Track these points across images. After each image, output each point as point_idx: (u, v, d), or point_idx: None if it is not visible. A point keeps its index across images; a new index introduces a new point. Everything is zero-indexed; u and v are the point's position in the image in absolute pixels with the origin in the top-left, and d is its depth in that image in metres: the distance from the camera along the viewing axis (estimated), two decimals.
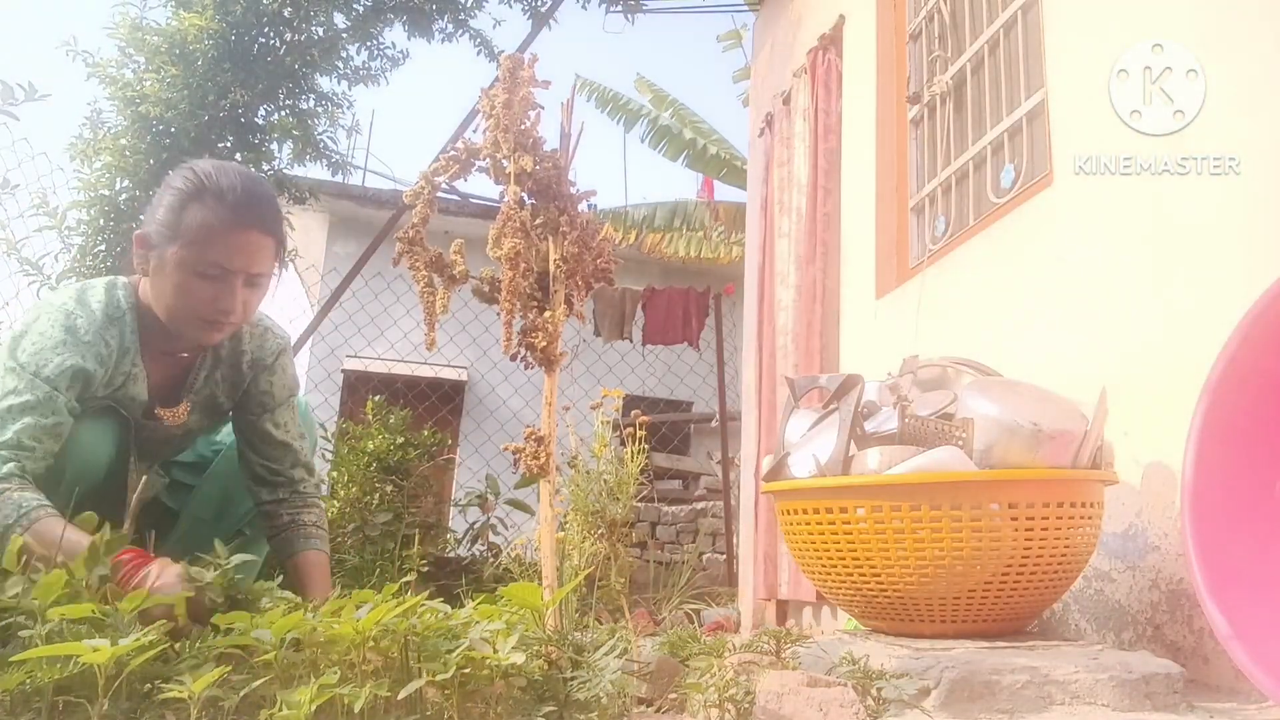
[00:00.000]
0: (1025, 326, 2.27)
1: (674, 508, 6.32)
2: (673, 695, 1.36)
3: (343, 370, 8.34)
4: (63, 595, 1.03)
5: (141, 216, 1.69)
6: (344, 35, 4.49)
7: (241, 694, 0.96)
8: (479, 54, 4.87)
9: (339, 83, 4.60)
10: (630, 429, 1.66)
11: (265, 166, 4.37)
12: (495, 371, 7.87)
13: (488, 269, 1.48)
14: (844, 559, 1.66)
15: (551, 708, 1.03)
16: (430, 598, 1.15)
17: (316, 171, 4.79)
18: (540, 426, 1.42)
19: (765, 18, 4.77)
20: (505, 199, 1.45)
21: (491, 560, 3.52)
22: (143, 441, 1.80)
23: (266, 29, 4.14)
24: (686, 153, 8.70)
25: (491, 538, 3.86)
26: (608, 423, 1.68)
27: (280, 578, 1.61)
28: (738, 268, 7.06)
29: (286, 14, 4.14)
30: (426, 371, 7.80)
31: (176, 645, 1.04)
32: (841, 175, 3.47)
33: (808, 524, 1.72)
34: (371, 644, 1.04)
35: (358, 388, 7.70)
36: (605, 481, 1.59)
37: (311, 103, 4.52)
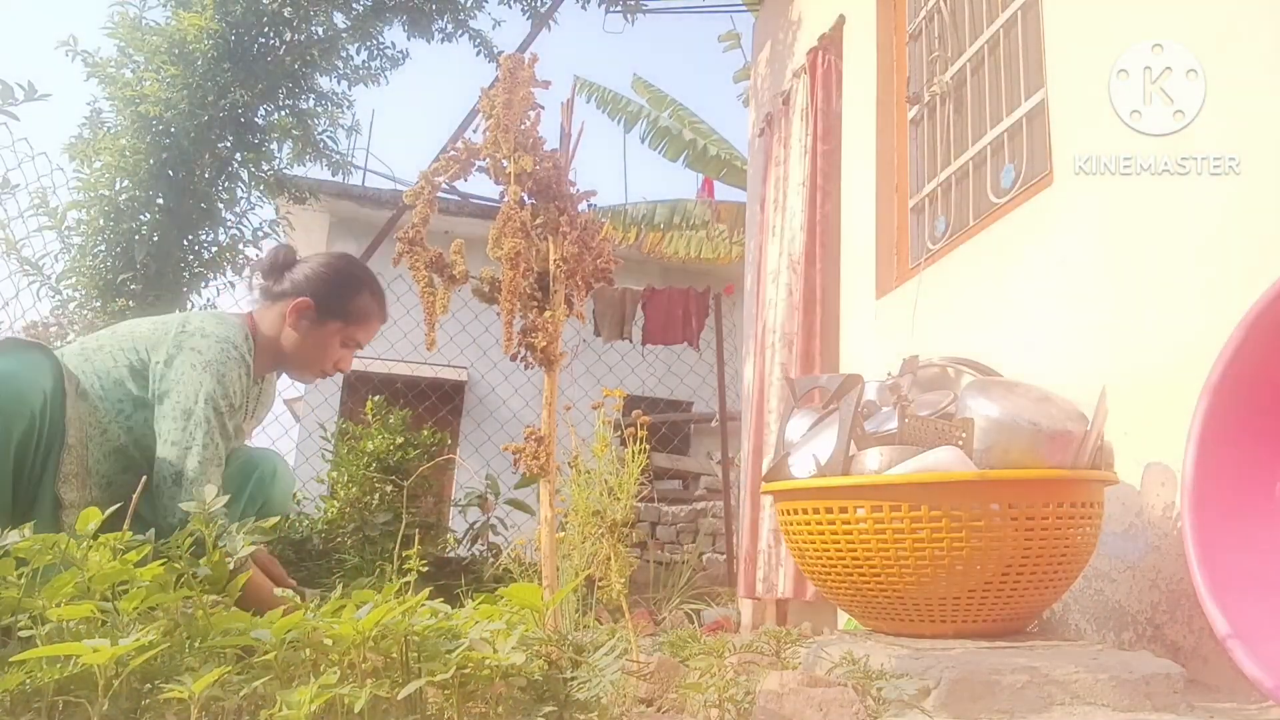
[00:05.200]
0: (1025, 326, 2.27)
1: (674, 508, 6.32)
2: (673, 695, 1.36)
3: None
4: (67, 595, 1.03)
5: (285, 280, 2.11)
6: (344, 35, 4.49)
7: (241, 694, 0.96)
8: (479, 54, 4.87)
9: (339, 83, 4.60)
10: (630, 429, 1.66)
11: (265, 166, 4.38)
12: (495, 371, 7.87)
13: (488, 269, 1.48)
14: (844, 559, 1.66)
15: (551, 708, 1.03)
16: (430, 598, 1.15)
17: (316, 171, 4.80)
18: (540, 426, 1.42)
19: (765, 18, 4.78)
20: (505, 199, 1.45)
21: (491, 560, 3.53)
22: None
23: (266, 29, 4.15)
24: (686, 153, 8.70)
25: (491, 538, 3.86)
26: (608, 423, 1.68)
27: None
28: (738, 268, 7.07)
29: (286, 14, 4.14)
30: (426, 371, 7.80)
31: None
32: (841, 175, 3.47)
33: (808, 524, 1.72)
34: (371, 644, 1.04)
35: (358, 388, 7.69)
36: (605, 482, 1.58)
37: (311, 103, 4.52)
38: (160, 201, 3.82)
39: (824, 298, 3.38)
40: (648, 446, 1.65)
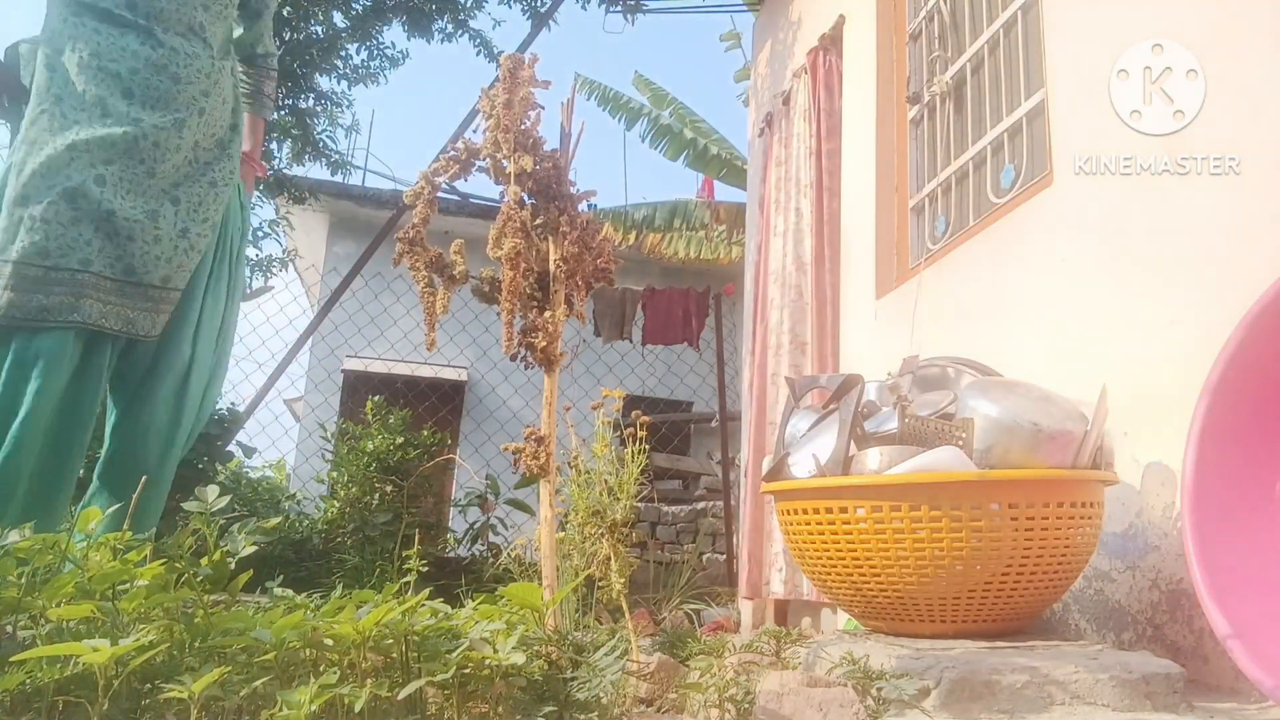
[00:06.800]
0: (1025, 326, 2.27)
1: (674, 508, 6.32)
2: (673, 695, 1.37)
3: (343, 370, 8.34)
4: (67, 595, 1.03)
5: None
6: (343, 35, 4.50)
7: (241, 694, 0.96)
8: (479, 54, 4.88)
9: (338, 82, 4.62)
10: (630, 429, 1.66)
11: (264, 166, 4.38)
12: (495, 371, 7.88)
13: (488, 269, 1.48)
14: (844, 559, 1.66)
15: (551, 708, 1.03)
16: (430, 598, 1.15)
17: (316, 171, 4.81)
18: (540, 426, 1.42)
19: (765, 18, 4.78)
20: (505, 199, 1.45)
21: (491, 560, 3.53)
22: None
23: None
24: (687, 152, 8.69)
25: (491, 538, 3.86)
26: (608, 423, 1.68)
27: (280, 578, 1.61)
28: (738, 268, 7.07)
29: (286, 14, 4.14)
30: (426, 371, 7.80)
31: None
32: (842, 175, 3.47)
33: (808, 524, 1.72)
34: (371, 644, 1.04)
35: (358, 388, 7.70)
36: (605, 482, 1.59)
37: (311, 102, 4.52)
38: None
39: (831, 297, 3.38)
40: (647, 446, 1.66)
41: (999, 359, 2.12)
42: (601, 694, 1.05)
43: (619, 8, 5.23)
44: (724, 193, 9.32)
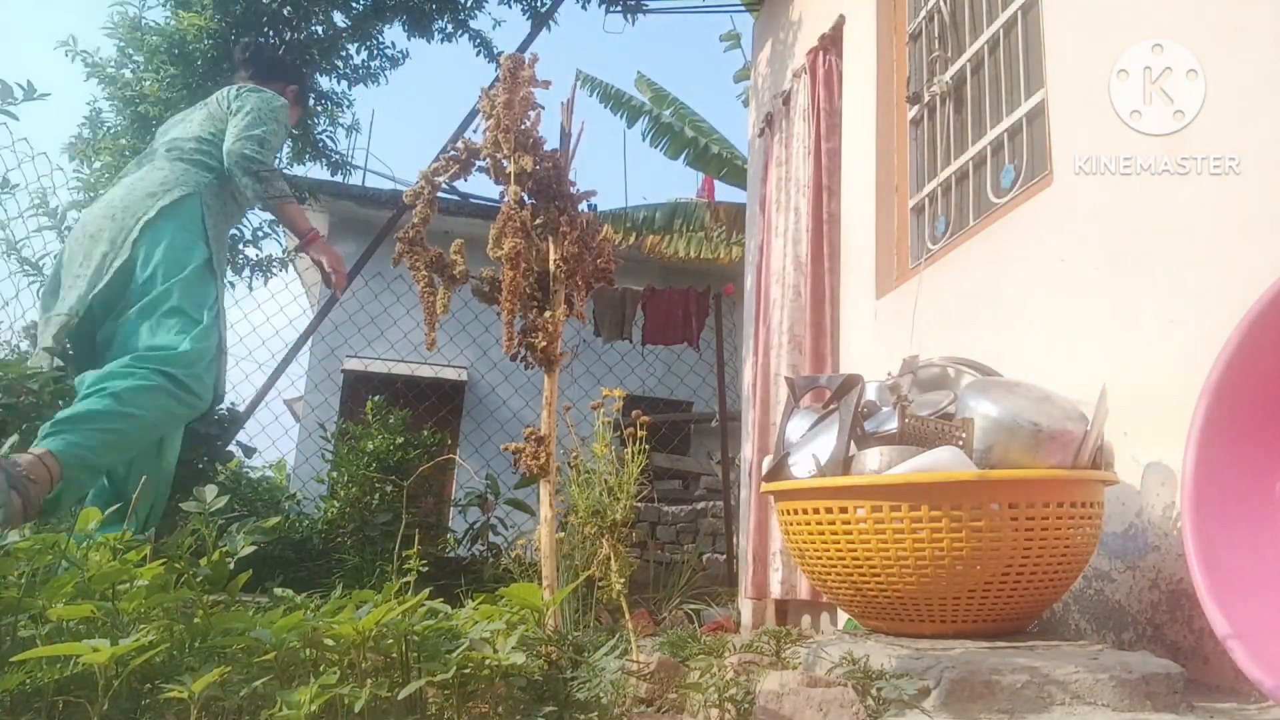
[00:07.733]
0: (1025, 326, 2.27)
1: (674, 508, 6.31)
2: (673, 695, 1.37)
3: (343, 370, 8.34)
4: (67, 595, 1.03)
5: None
6: (343, 34, 4.49)
7: (241, 694, 0.96)
8: (479, 54, 4.87)
9: (338, 82, 4.61)
10: (630, 429, 1.66)
11: None
12: (495, 371, 7.88)
13: (488, 269, 1.48)
14: (844, 559, 1.66)
15: (551, 708, 1.03)
16: (430, 598, 1.15)
17: (316, 171, 4.80)
18: (540, 426, 1.42)
19: (765, 18, 4.77)
20: (505, 199, 1.45)
21: (491, 560, 3.52)
22: None
23: (266, 28, 4.14)
24: (687, 151, 8.68)
25: (491, 538, 3.86)
26: (608, 423, 1.68)
27: (280, 578, 1.61)
28: (738, 268, 7.07)
29: (286, 13, 4.14)
30: (426, 371, 7.80)
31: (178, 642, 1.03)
32: (841, 175, 3.47)
33: (808, 524, 1.72)
34: (371, 644, 1.04)
35: (358, 388, 7.70)
36: (605, 482, 1.59)
37: (311, 102, 4.51)
38: None
39: (831, 297, 3.38)
40: (647, 446, 1.66)
41: (999, 359, 2.12)
42: (601, 694, 1.05)
43: (619, 8, 5.23)
44: (724, 193, 9.32)
